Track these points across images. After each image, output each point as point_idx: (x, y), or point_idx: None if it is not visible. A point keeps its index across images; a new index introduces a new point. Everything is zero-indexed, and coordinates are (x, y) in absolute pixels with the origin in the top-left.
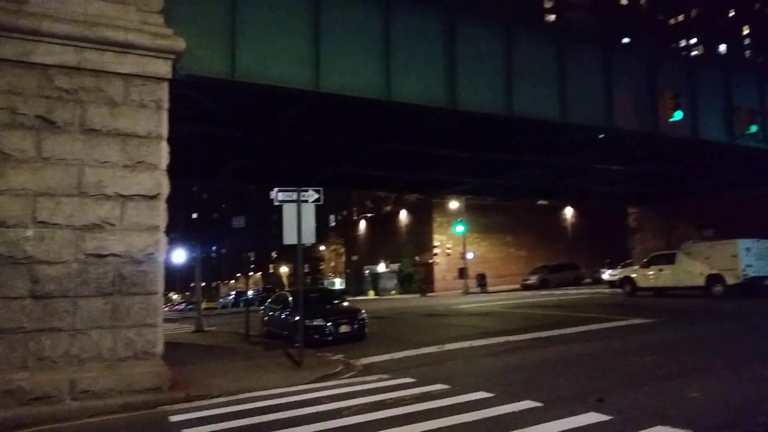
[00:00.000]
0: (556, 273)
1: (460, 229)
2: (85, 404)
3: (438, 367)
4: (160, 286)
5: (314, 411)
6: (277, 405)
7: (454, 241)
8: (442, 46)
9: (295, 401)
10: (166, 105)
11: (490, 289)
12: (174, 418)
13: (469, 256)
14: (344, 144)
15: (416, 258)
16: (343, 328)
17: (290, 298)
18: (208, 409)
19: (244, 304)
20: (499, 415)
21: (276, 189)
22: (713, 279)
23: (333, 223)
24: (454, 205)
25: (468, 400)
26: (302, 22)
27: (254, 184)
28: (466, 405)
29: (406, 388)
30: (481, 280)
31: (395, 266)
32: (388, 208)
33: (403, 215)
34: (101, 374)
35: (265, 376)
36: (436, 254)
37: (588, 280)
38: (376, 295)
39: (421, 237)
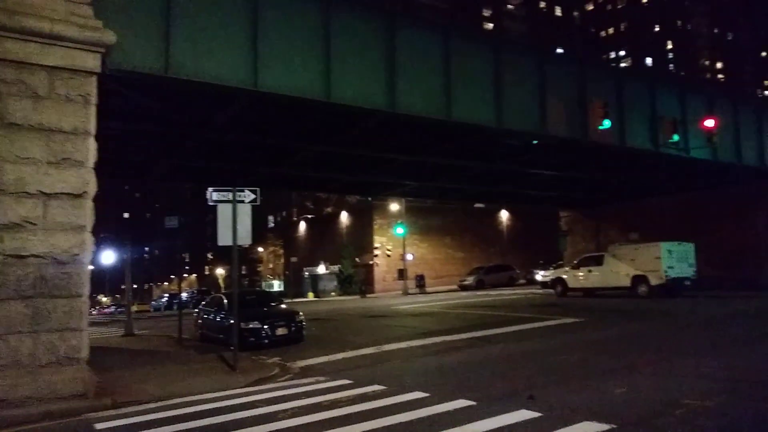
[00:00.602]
0: (492, 274)
1: (400, 230)
2: (1, 414)
3: (375, 368)
4: (86, 289)
5: (248, 415)
6: (209, 410)
7: (395, 242)
8: (383, 49)
9: (229, 405)
10: (94, 100)
11: (428, 289)
12: (99, 426)
13: (409, 257)
14: (283, 144)
15: (357, 259)
16: (280, 331)
17: (225, 301)
18: (136, 415)
19: (178, 306)
20: (433, 415)
21: (211, 189)
22: (638, 279)
23: (272, 224)
24: (394, 207)
25: (403, 401)
26: (240, 18)
27: (189, 183)
28: (402, 405)
29: (342, 390)
30: (420, 281)
31: (335, 268)
32: (329, 210)
33: (344, 217)
34: (20, 381)
35: (198, 380)
36: (376, 255)
37: (522, 281)
38: (315, 296)
39: (361, 238)
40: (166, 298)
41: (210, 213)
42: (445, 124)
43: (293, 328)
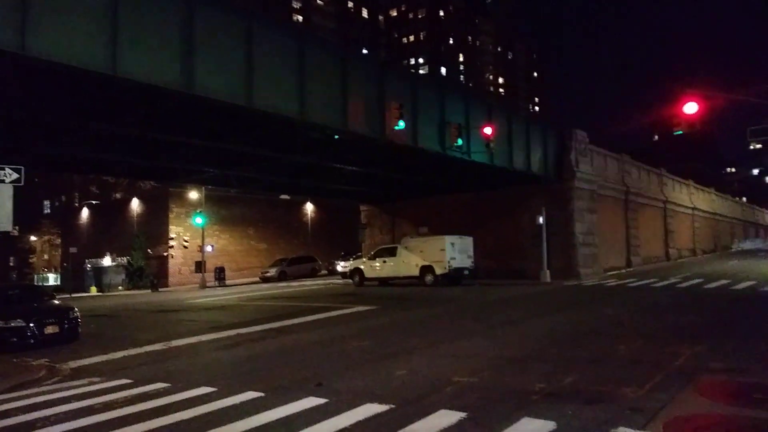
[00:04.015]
0: (295, 265)
1: (199, 220)
2: None
3: (160, 365)
4: None
5: None
6: None
7: (193, 232)
8: (179, 25)
9: None
10: None
11: (228, 282)
12: None
13: (209, 248)
14: (61, 121)
15: (149, 251)
16: (50, 329)
17: None
18: None
19: None
20: (219, 409)
21: None
22: (425, 270)
23: (48, 210)
24: (193, 195)
25: (188, 397)
26: None
27: None
28: (186, 402)
29: (120, 391)
30: (220, 273)
31: (124, 260)
32: (118, 196)
33: (135, 204)
34: None
35: None
36: (171, 247)
37: (324, 272)
38: (99, 291)
39: (155, 228)
40: None
41: None
42: (246, 111)
43: (66, 326)
